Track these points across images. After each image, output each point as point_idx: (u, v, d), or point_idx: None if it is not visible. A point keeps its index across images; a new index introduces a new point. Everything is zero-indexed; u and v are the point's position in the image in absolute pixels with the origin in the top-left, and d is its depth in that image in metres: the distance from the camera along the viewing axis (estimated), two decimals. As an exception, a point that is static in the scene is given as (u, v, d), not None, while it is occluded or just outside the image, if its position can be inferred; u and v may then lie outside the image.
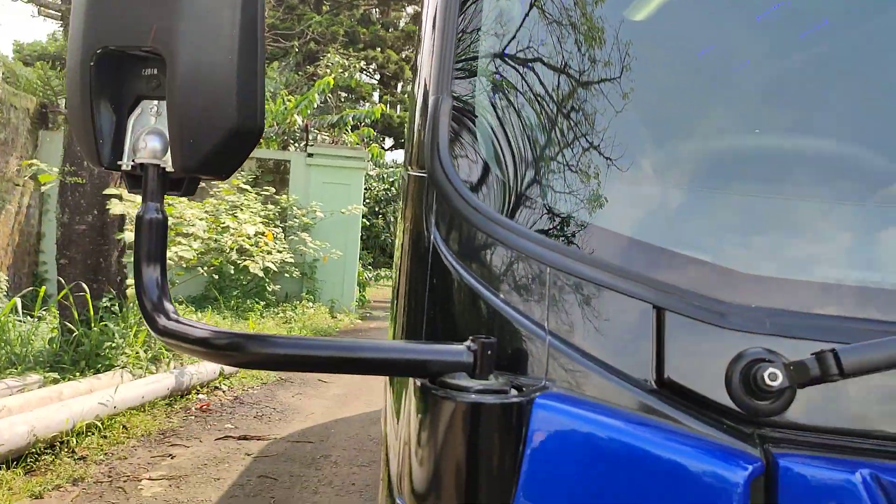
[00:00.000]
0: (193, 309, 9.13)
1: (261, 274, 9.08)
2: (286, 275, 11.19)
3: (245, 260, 9.01)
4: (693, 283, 0.96)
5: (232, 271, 9.42)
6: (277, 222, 11.07)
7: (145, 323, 0.97)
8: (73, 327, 6.36)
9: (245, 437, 5.75)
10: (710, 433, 0.86)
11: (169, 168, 0.98)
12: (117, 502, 4.38)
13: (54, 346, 6.36)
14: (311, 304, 11.56)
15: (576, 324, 0.96)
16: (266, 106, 13.33)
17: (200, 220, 7.54)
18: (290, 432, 6.00)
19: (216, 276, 9.40)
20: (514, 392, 0.87)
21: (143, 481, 4.73)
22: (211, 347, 0.89)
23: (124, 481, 4.70)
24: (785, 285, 0.97)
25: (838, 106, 1.16)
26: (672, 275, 0.97)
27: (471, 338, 0.90)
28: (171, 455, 5.22)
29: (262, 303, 10.65)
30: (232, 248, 8.38)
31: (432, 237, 1.08)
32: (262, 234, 9.29)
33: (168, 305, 0.96)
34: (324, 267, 12.12)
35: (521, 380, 0.92)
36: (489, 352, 0.88)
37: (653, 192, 1.12)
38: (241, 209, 8.86)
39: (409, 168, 1.36)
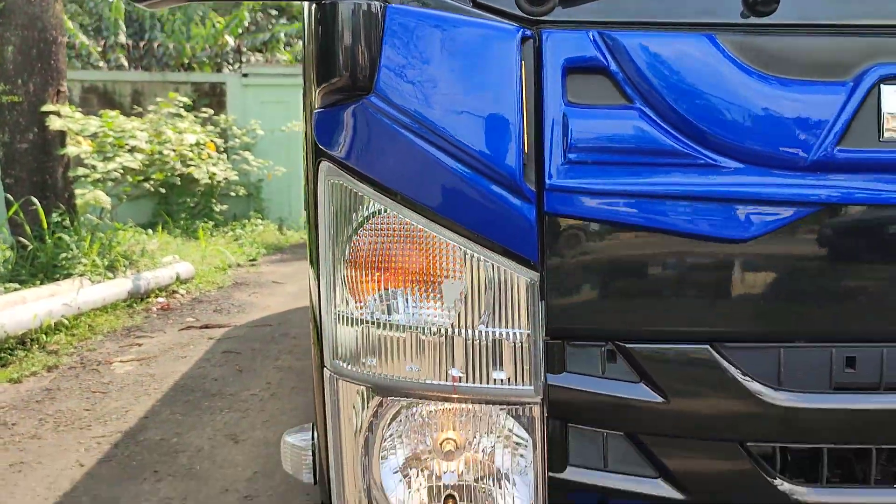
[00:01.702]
0: (143, 231, 9.30)
1: (206, 179, 9.27)
2: (232, 194, 11.37)
3: (189, 167, 9.18)
4: None
5: (178, 182, 9.56)
6: (218, 142, 11.16)
7: None
8: (27, 242, 6.55)
9: (207, 326, 6.10)
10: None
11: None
12: (93, 380, 4.72)
13: (9, 264, 6.55)
14: (260, 222, 11.79)
15: None
16: (195, 30, 13.24)
17: (141, 131, 7.69)
18: (250, 320, 6.37)
19: (163, 191, 9.54)
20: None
21: (114, 364, 5.06)
22: None
23: (97, 365, 5.02)
24: None
25: None
26: None
27: None
28: (138, 344, 5.55)
29: (211, 223, 10.84)
30: (175, 160, 8.55)
31: None
32: (204, 145, 9.44)
33: None
34: (269, 186, 12.31)
35: None
36: None
37: None
38: (182, 118, 8.98)
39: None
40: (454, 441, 1.20)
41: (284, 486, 3.20)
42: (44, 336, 5.41)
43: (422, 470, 1.21)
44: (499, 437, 1.19)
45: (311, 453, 1.42)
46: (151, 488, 3.13)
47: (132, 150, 7.59)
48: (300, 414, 4.00)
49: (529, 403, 1.16)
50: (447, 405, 1.19)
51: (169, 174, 8.90)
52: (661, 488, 1.18)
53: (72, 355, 5.24)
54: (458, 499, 1.19)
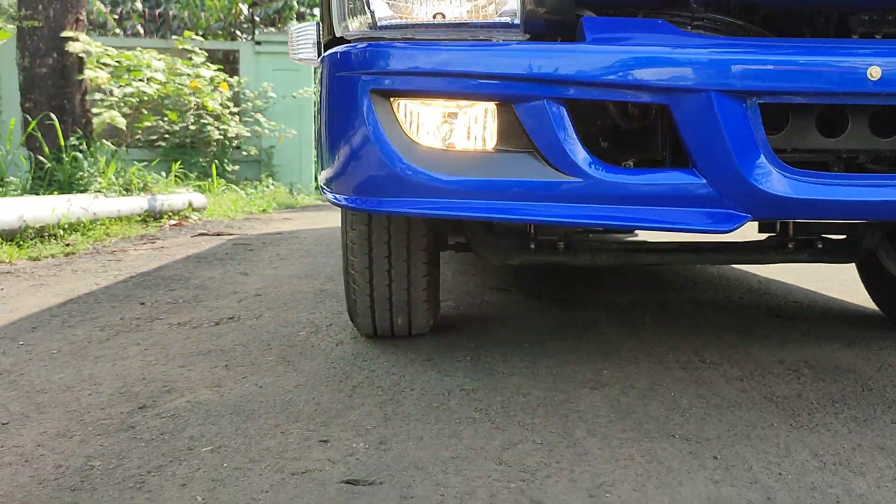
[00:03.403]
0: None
1: (218, 135, 9.45)
2: (244, 153, 11.55)
3: (203, 123, 9.35)
4: None
5: (191, 142, 9.76)
6: (231, 106, 11.36)
7: None
8: (44, 161, 6.72)
9: (220, 234, 6.24)
10: None
11: None
12: (109, 258, 4.86)
13: (27, 181, 6.71)
14: (271, 182, 11.95)
15: None
16: (210, 1, 13.50)
17: (158, 60, 7.88)
18: (261, 232, 6.51)
19: (177, 142, 9.72)
20: None
21: (129, 252, 5.20)
22: None
23: (112, 252, 5.17)
24: None
25: None
26: None
27: None
28: (152, 243, 5.70)
29: (224, 182, 11.01)
30: (190, 93, 8.72)
31: None
32: (218, 85, 9.64)
33: None
34: (281, 151, 12.49)
35: None
36: None
37: None
38: (197, 54, 9.18)
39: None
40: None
41: (289, 290, 3.32)
42: (61, 231, 5.55)
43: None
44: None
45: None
46: (165, 294, 3.25)
47: (149, 80, 7.77)
48: (309, 267, 4.11)
49: None
50: None
51: (182, 114, 9.07)
52: None
53: (88, 249, 5.38)
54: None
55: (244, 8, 13.01)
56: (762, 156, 1.29)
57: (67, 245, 5.32)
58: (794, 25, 1.52)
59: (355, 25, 1.40)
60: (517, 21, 1.35)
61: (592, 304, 2.98)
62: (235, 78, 11.83)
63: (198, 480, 1.31)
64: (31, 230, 5.29)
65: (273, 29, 13.89)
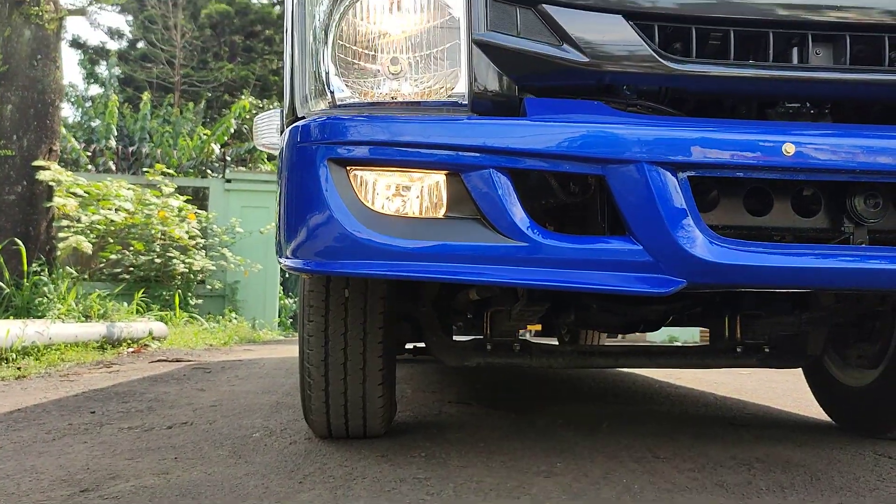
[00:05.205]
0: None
1: (183, 268, 9.48)
2: (208, 287, 11.55)
3: (169, 254, 9.40)
4: None
5: (154, 275, 9.78)
6: (199, 238, 11.48)
7: None
8: (3, 286, 6.67)
9: (179, 360, 6.14)
10: None
11: None
12: (62, 381, 4.75)
13: (-14, 305, 6.63)
14: (234, 317, 11.89)
15: None
16: (183, 141, 13.92)
17: (127, 189, 8.02)
18: (222, 359, 6.43)
19: (141, 275, 9.72)
20: None
21: (83, 375, 5.09)
22: None
23: (65, 375, 5.05)
24: None
25: None
26: None
27: None
28: (108, 367, 5.59)
29: (186, 314, 10.94)
30: (158, 221, 8.79)
31: None
32: (186, 216, 9.75)
33: None
34: (245, 286, 12.52)
35: None
36: None
37: None
38: (167, 185, 9.34)
39: None
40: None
41: (246, 402, 3.27)
42: (14, 355, 5.44)
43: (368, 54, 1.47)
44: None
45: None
46: (118, 405, 3.19)
47: (117, 209, 7.88)
48: (267, 385, 4.07)
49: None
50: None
51: (149, 244, 9.12)
52: (567, 52, 1.44)
53: (41, 372, 5.26)
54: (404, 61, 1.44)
55: (216, 147, 13.42)
56: (693, 224, 1.39)
57: (19, 368, 5.20)
58: (720, 115, 1.67)
59: (317, 106, 1.52)
60: (465, 102, 1.48)
61: (550, 412, 2.99)
62: (204, 212, 12.02)
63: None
64: (-19, 352, 5.18)
65: (243, 168, 14.28)
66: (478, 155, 1.39)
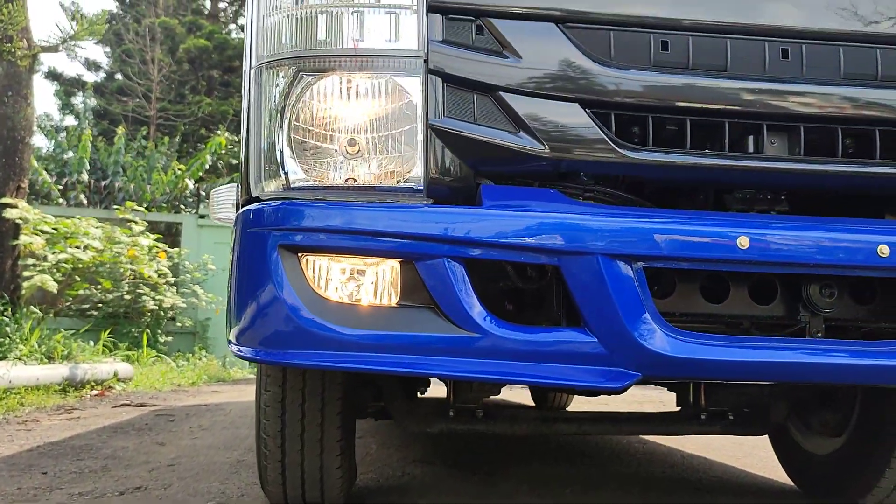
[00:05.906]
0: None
1: (153, 305, 9.36)
2: (178, 324, 11.39)
3: (139, 290, 9.28)
4: None
5: (123, 311, 9.64)
6: (169, 276, 11.35)
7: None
8: (-36, 326, 6.53)
9: (143, 405, 6.02)
10: None
11: None
12: (19, 430, 4.63)
13: (-56, 347, 6.46)
14: (204, 355, 11.72)
15: None
16: (157, 176, 13.82)
17: (97, 227, 7.91)
18: (187, 404, 6.31)
19: (109, 311, 9.57)
20: None
21: (42, 422, 4.97)
22: None
23: (24, 422, 4.92)
24: None
25: None
26: None
27: None
28: (69, 413, 5.46)
29: (154, 353, 10.76)
30: (127, 260, 8.67)
31: None
32: (156, 255, 9.63)
33: None
34: (216, 323, 12.35)
35: None
36: None
37: None
38: (136, 223, 9.23)
39: None
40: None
41: (205, 461, 3.20)
42: (-29, 401, 5.30)
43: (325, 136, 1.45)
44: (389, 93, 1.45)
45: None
46: (71, 464, 3.10)
47: (85, 247, 7.77)
48: (229, 438, 3.99)
49: (414, 57, 1.43)
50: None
51: (117, 282, 8.99)
52: (524, 140, 1.44)
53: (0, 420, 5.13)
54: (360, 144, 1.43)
55: (190, 183, 13.35)
56: (649, 317, 1.38)
57: (-23, 414, 5.07)
58: (677, 201, 1.67)
59: (271, 187, 1.50)
60: (421, 187, 1.47)
61: (514, 475, 2.95)
62: (176, 249, 11.90)
63: None
64: (-63, 398, 5.04)
65: (218, 204, 14.20)
66: (432, 244, 1.38)
